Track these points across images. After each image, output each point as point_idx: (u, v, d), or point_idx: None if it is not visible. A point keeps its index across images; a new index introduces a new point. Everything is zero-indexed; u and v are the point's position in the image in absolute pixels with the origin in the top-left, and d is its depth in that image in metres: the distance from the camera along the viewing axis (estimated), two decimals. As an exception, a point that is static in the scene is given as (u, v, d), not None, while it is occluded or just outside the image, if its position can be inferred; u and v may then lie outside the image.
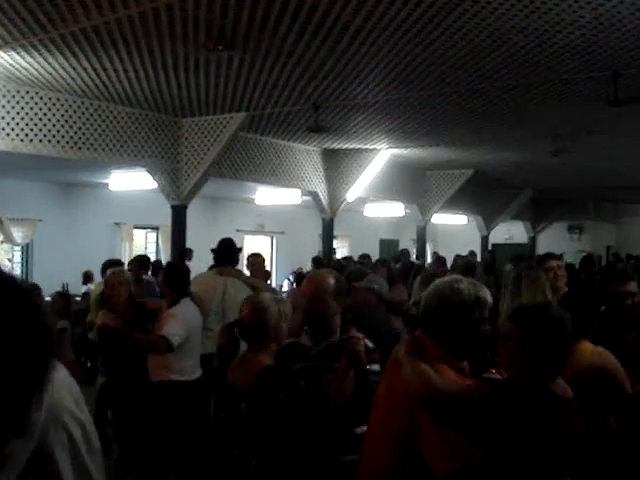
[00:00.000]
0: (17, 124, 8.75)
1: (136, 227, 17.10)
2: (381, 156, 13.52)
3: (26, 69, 7.95)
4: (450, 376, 2.83)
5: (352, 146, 13.07)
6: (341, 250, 19.77)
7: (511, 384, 2.77)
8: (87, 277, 12.96)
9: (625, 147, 12.73)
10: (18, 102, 8.74)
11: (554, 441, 2.63)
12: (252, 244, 19.99)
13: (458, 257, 18.38)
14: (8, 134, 8.65)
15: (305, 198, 14.48)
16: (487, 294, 2.99)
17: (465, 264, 9.75)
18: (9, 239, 14.77)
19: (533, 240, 24.17)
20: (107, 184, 14.24)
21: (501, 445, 2.60)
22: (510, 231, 23.78)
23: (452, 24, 6.22)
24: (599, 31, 6.39)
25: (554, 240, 23.45)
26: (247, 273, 7.74)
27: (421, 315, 3.05)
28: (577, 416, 2.82)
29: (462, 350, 2.94)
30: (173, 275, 5.96)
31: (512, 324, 2.86)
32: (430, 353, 2.89)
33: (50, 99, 9.08)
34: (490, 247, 21.24)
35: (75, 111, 9.38)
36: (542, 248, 23.43)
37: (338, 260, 12.60)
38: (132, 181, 13.02)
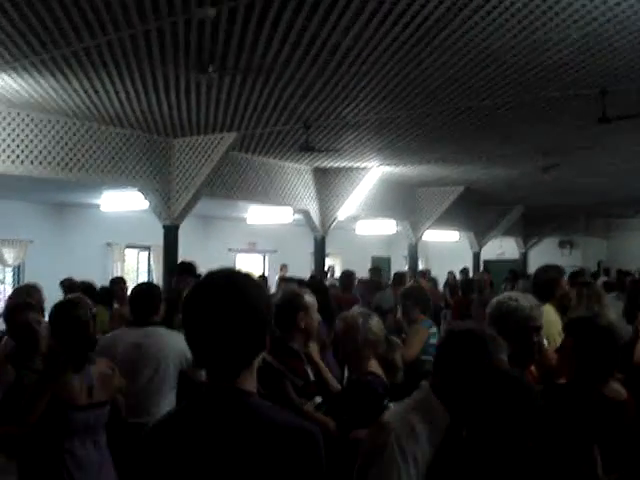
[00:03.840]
0: (8, 146, 8.76)
1: (128, 247, 17.07)
2: (372, 174, 13.56)
3: (17, 91, 7.97)
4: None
5: (343, 164, 13.12)
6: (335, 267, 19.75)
7: (564, 389, 3.06)
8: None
9: (614, 163, 12.81)
10: (9, 124, 8.76)
11: (604, 441, 2.77)
12: (244, 263, 20.00)
13: (450, 273, 18.53)
14: (-1, 156, 8.67)
15: (297, 216, 14.50)
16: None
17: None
18: (0, 260, 14.73)
19: (525, 256, 24.22)
20: (98, 204, 14.21)
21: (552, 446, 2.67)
22: (502, 247, 23.82)
23: (441, 44, 6.28)
24: (587, 49, 6.46)
25: (546, 255, 23.38)
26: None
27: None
28: (630, 416, 2.96)
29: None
30: None
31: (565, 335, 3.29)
32: None
33: (41, 120, 9.09)
34: (482, 263, 21.29)
35: (66, 132, 9.40)
36: (534, 264, 23.48)
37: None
38: (124, 201, 13.01)
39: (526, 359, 3.33)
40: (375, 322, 4.19)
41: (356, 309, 4.86)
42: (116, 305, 9.08)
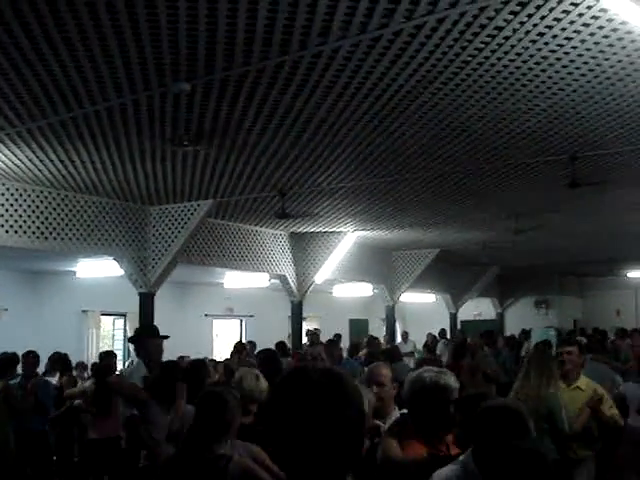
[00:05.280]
0: (-17, 216, 8.75)
1: (103, 314, 16.93)
2: (348, 238, 13.65)
3: (-7, 162, 8.00)
4: (415, 450, 3.41)
5: (319, 229, 13.21)
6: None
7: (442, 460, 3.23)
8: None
9: (583, 224, 13.02)
10: (-15, 194, 8.76)
11: None
12: (221, 328, 19.87)
13: (429, 335, 18.51)
14: (-26, 226, 8.65)
15: (273, 281, 14.51)
16: (450, 380, 3.60)
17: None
18: (-27, 329, 14.52)
19: (501, 316, 24.30)
20: (74, 272, 14.15)
21: None
22: (478, 307, 23.89)
23: (412, 115, 6.42)
24: (554, 118, 6.63)
25: (522, 316, 23.58)
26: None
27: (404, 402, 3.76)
28: None
29: (430, 428, 3.50)
30: None
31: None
32: (409, 430, 3.54)
33: (17, 190, 9.10)
34: (459, 324, 21.32)
35: (42, 201, 9.40)
36: (510, 324, 23.59)
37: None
38: (99, 268, 12.97)
39: (445, 430, 3.60)
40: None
41: None
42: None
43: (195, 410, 4.15)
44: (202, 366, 6.78)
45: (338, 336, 13.14)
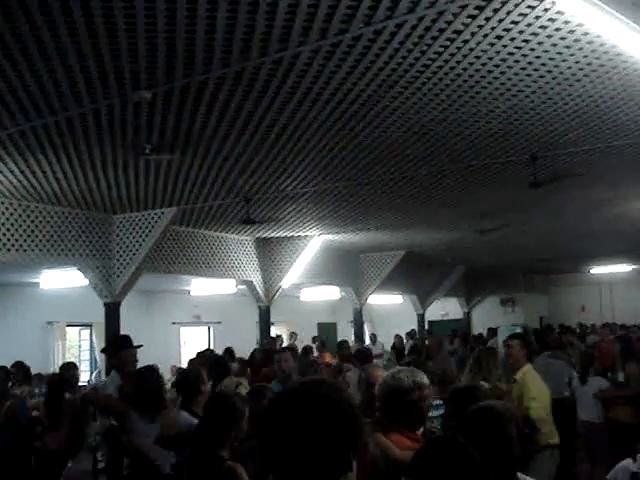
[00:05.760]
0: (-57, 229, 8.60)
1: (69, 325, 16.74)
2: (314, 242, 13.66)
3: (-49, 175, 7.87)
4: (405, 444, 3.67)
5: (285, 234, 13.20)
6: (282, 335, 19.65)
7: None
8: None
9: (547, 222, 13.18)
10: (-57, 207, 8.62)
11: None
12: (189, 335, 19.74)
13: (397, 336, 18.60)
14: None
15: (241, 287, 14.46)
16: (424, 378, 3.95)
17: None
18: None
19: (468, 315, 24.50)
20: (38, 283, 13.96)
21: None
22: (445, 307, 24.09)
23: (374, 119, 6.45)
24: (515, 119, 6.69)
25: (488, 314, 23.82)
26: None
27: (377, 401, 4.01)
28: None
29: (408, 423, 3.83)
30: None
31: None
32: (387, 428, 3.81)
33: (-23, 202, 8.98)
34: (427, 324, 21.46)
35: (3, 212, 9.27)
36: (477, 322, 23.80)
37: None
38: (63, 279, 12.79)
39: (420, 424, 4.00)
40: None
41: None
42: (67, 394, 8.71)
43: (204, 412, 4.46)
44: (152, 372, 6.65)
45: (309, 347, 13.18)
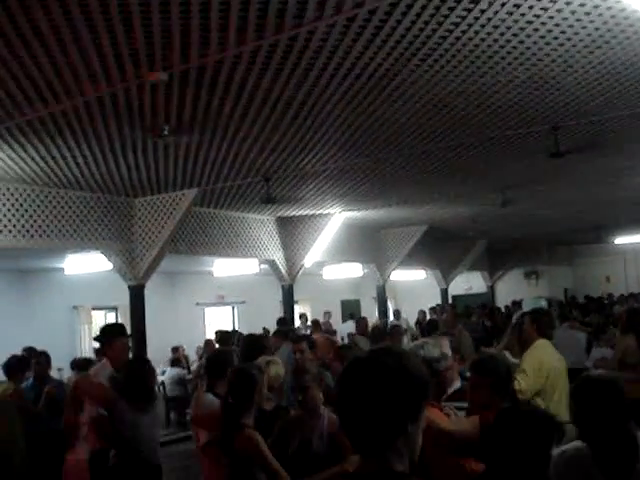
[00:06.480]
0: (-32, 217, 8.68)
1: (94, 309, 16.90)
2: (335, 220, 13.64)
3: (-27, 163, 7.93)
4: (438, 414, 3.85)
5: (306, 212, 13.18)
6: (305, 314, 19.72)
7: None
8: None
9: (570, 193, 13.04)
10: (-33, 195, 8.69)
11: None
12: (213, 316, 19.87)
13: (421, 312, 18.60)
14: (-41, 227, 8.59)
15: (264, 266, 14.50)
16: (447, 348, 4.22)
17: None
18: (-36, 330, 14.45)
19: (492, 289, 24.40)
20: (62, 268, 14.09)
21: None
22: (469, 282, 24.00)
23: (392, 92, 6.39)
24: (535, 89, 6.60)
25: (512, 287, 23.73)
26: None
27: None
28: None
29: (437, 393, 3.99)
30: None
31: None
32: None
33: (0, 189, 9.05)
34: (450, 299, 21.41)
35: (25, 199, 9.33)
36: (501, 296, 23.71)
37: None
38: (88, 263, 12.92)
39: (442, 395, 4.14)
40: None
41: None
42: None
43: (228, 386, 4.74)
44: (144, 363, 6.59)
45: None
